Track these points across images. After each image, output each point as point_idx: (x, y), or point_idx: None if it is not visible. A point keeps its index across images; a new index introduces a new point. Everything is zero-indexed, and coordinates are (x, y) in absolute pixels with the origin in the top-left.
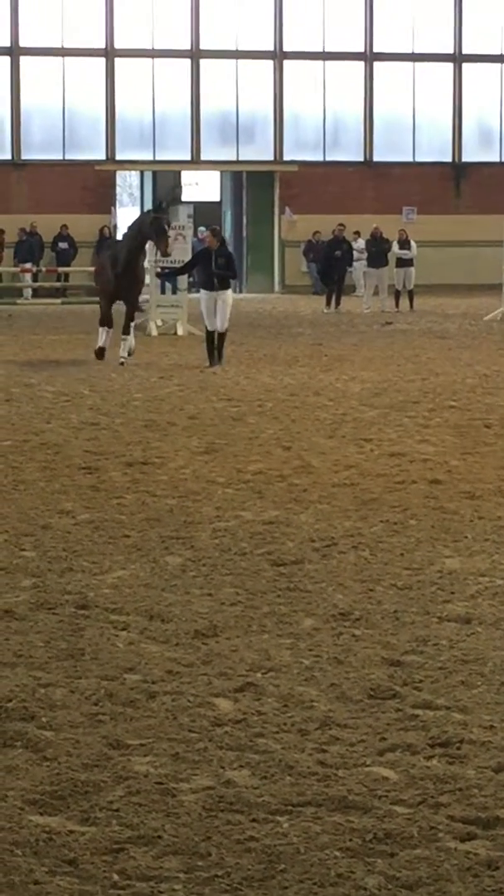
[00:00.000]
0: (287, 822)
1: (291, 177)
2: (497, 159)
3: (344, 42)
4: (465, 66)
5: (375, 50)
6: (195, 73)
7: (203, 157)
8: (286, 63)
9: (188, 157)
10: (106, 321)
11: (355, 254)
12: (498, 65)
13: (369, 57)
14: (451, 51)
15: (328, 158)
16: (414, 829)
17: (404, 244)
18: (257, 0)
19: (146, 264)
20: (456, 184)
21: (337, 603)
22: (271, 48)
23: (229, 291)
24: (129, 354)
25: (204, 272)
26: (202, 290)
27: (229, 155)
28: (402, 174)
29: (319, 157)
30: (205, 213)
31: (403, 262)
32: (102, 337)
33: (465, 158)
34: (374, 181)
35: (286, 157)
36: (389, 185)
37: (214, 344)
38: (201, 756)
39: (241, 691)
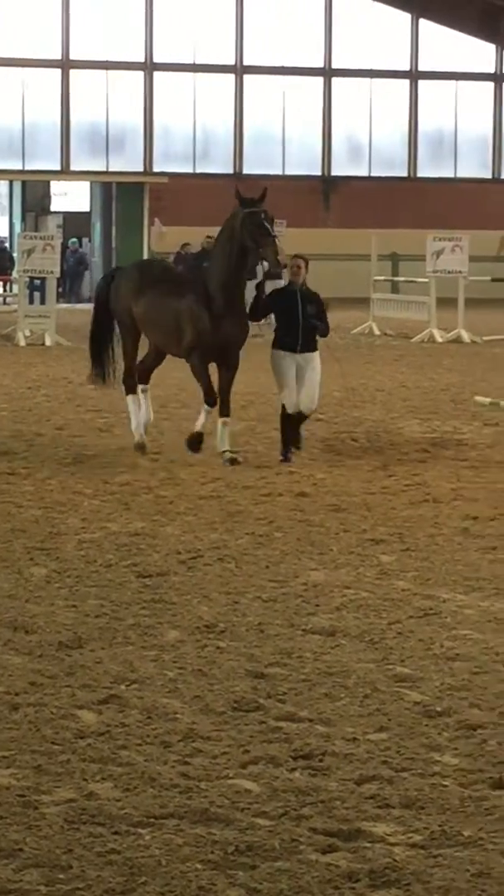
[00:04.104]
0: (149, 834)
1: (161, 188)
2: (366, 173)
3: (214, 55)
4: (334, 80)
5: (246, 63)
6: (65, 83)
7: (73, 168)
8: (157, 74)
9: (58, 167)
10: (211, 396)
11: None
12: (367, 79)
13: (239, 70)
14: (321, 65)
15: (198, 170)
16: (275, 841)
17: None
18: (128, 12)
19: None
20: (325, 197)
21: (202, 615)
22: (142, 60)
23: (317, 354)
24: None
25: (285, 324)
26: (278, 350)
27: (99, 165)
28: (272, 187)
29: (189, 169)
30: (74, 223)
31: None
32: (202, 419)
33: (335, 172)
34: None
35: (156, 169)
36: None
37: (292, 426)
38: (64, 768)
39: (104, 703)
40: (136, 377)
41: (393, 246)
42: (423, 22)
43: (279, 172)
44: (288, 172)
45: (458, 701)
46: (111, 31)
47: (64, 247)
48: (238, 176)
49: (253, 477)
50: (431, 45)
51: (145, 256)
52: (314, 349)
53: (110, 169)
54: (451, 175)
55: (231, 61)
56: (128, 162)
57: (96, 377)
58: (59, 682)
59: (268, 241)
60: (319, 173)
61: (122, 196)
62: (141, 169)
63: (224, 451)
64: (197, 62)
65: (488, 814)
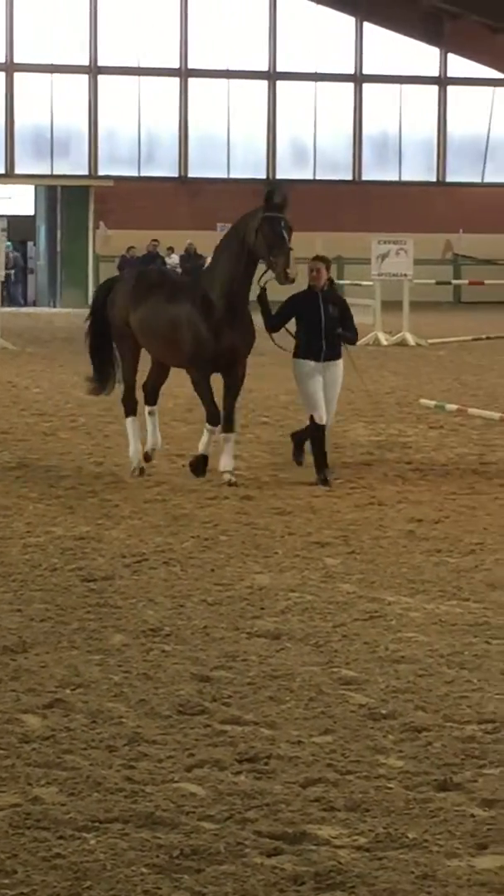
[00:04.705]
0: (94, 838)
1: (106, 191)
2: (311, 177)
3: (159, 58)
4: (279, 83)
5: (190, 66)
6: (9, 86)
7: (17, 171)
8: (101, 78)
9: (2, 171)
10: (215, 416)
11: (169, 269)
12: (312, 83)
13: (184, 73)
14: (265, 68)
15: (143, 174)
16: (221, 844)
17: None
18: (73, 14)
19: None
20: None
21: (147, 619)
22: (86, 63)
23: (342, 362)
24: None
25: (308, 329)
26: (300, 360)
27: (44, 169)
28: (217, 190)
29: (134, 173)
30: (18, 227)
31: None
32: (205, 440)
33: (279, 175)
34: (188, 197)
35: (101, 172)
36: (204, 201)
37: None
38: (8, 773)
39: (49, 707)
40: (137, 398)
41: (338, 249)
42: (367, 25)
43: (224, 176)
44: (233, 176)
45: (403, 703)
46: (56, 34)
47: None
48: (183, 179)
49: (198, 480)
50: (376, 49)
51: (90, 260)
52: (338, 356)
53: (55, 172)
54: (396, 178)
55: (176, 64)
56: (73, 165)
57: (96, 386)
58: (4, 687)
59: (282, 251)
60: (264, 176)
61: (67, 199)
62: (86, 172)
63: (224, 472)
64: (142, 65)
65: (433, 816)
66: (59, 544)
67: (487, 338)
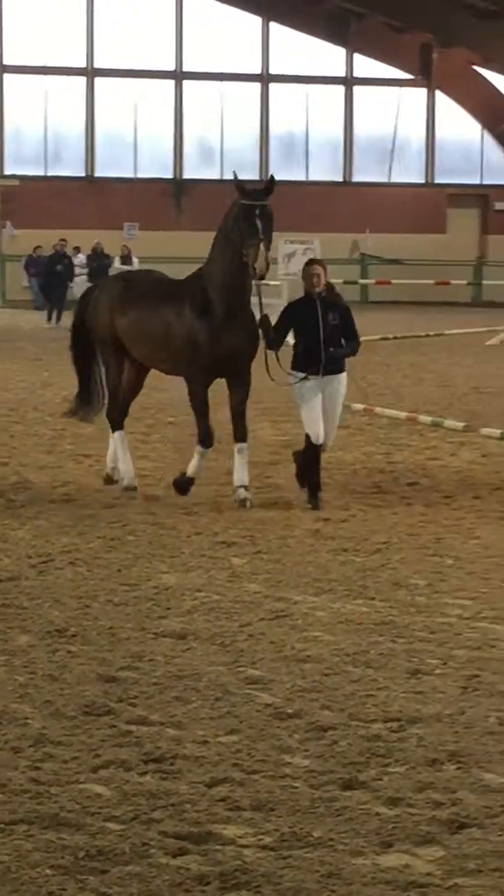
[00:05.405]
0: None
1: (12, 191)
2: (217, 176)
3: (66, 57)
4: (185, 83)
5: (97, 65)
6: None
7: None
8: (6, 77)
9: None
10: (209, 437)
11: (76, 269)
12: (218, 82)
13: (91, 72)
14: (172, 68)
15: (49, 173)
16: (126, 845)
17: (126, 260)
18: None
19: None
20: (177, 200)
21: (53, 619)
22: None
23: (344, 376)
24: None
25: (306, 340)
26: (296, 373)
27: None
28: (124, 190)
29: (41, 172)
30: None
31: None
32: (195, 463)
33: (187, 175)
34: (95, 196)
35: (7, 172)
36: (111, 201)
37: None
38: None
39: None
40: (123, 410)
41: None
42: (273, 26)
43: (131, 175)
44: (140, 175)
45: (309, 702)
46: None
47: None
48: (90, 179)
49: (106, 484)
50: (282, 49)
51: None
52: (341, 370)
53: None
54: (303, 178)
55: (82, 64)
56: None
57: (82, 409)
58: None
59: (251, 243)
60: (171, 176)
61: None
62: None
63: (238, 488)
64: (48, 65)
65: (338, 814)
66: None
67: (395, 337)
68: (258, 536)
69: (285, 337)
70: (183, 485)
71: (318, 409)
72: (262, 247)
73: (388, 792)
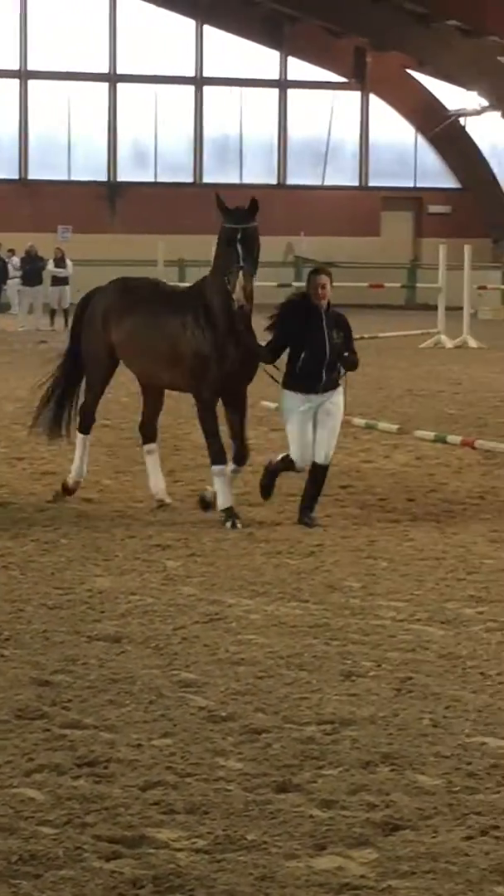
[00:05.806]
0: None
1: None
2: (152, 179)
3: None
4: (119, 85)
5: (30, 68)
6: None
7: None
8: None
9: None
10: (222, 453)
11: (10, 271)
12: (152, 85)
13: (24, 74)
14: (106, 70)
15: None
16: (59, 849)
17: (60, 262)
18: None
19: None
20: (111, 203)
21: None
22: None
23: (341, 392)
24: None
25: (307, 357)
26: (289, 391)
27: None
28: (58, 192)
29: None
30: None
31: (59, 281)
32: (221, 486)
33: (121, 178)
34: (29, 199)
35: None
36: (44, 204)
37: (315, 482)
38: None
39: None
40: (93, 416)
41: (179, 251)
42: (207, 28)
43: (65, 178)
44: (74, 178)
45: (243, 705)
46: None
47: None
48: (24, 181)
49: (38, 484)
50: (216, 52)
51: None
52: (336, 385)
53: None
54: (237, 181)
55: (15, 66)
56: None
57: (51, 428)
58: None
59: (230, 270)
60: (105, 178)
61: None
62: None
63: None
64: None
65: (272, 817)
66: None
67: None
68: (192, 539)
69: (286, 346)
70: (232, 517)
71: (308, 435)
72: (241, 275)
73: (322, 794)
